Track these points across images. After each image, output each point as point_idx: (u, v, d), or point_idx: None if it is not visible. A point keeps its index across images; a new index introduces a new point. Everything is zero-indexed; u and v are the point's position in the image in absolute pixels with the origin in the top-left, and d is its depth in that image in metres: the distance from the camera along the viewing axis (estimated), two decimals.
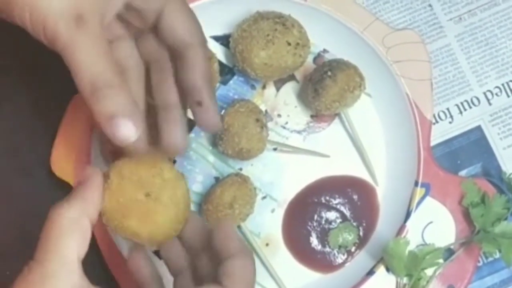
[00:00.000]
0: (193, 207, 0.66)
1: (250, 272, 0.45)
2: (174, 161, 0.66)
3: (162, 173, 0.47)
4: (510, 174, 0.66)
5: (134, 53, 0.51)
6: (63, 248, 0.42)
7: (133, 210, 0.46)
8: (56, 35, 0.42)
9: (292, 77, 0.68)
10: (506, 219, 0.63)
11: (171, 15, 0.48)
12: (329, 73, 0.63)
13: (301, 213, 0.67)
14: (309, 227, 0.67)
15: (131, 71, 0.51)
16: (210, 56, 0.49)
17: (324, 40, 0.68)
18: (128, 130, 0.43)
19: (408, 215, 0.64)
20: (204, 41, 0.50)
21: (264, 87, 0.68)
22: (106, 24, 0.45)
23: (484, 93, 0.69)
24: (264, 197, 0.67)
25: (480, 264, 0.66)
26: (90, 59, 0.42)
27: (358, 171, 0.67)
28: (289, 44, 0.63)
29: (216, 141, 0.65)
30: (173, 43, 0.49)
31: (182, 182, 0.48)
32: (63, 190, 0.64)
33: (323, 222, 0.67)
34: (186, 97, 0.50)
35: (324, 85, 0.63)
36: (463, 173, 0.68)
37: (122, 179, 0.46)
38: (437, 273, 0.63)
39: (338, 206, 0.67)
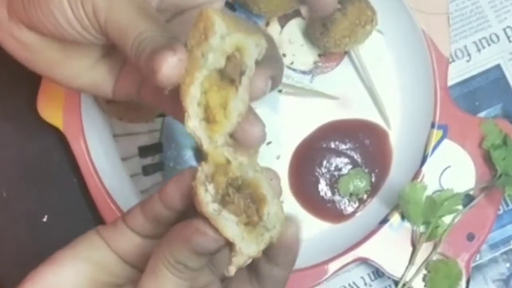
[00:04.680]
0: None
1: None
2: None
3: None
4: None
5: None
6: None
7: None
8: None
9: (297, 13, 0.67)
10: None
11: None
12: (339, 6, 0.61)
13: (309, 159, 0.65)
14: (317, 174, 0.65)
15: None
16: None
17: None
18: (171, 66, 0.36)
19: (424, 159, 0.63)
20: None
21: (267, 24, 0.66)
22: None
23: (504, 30, 0.67)
24: (269, 143, 0.64)
25: (501, 212, 0.65)
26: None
27: (370, 114, 0.66)
28: None
29: None
30: None
31: None
32: (51, 135, 0.64)
33: (333, 168, 0.65)
34: None
35: (333, 19, 0.61)
36: (482, 114, 0.66)
37: None
38: (456, 220, 0.61)
39: (348, 152, 0.65)
